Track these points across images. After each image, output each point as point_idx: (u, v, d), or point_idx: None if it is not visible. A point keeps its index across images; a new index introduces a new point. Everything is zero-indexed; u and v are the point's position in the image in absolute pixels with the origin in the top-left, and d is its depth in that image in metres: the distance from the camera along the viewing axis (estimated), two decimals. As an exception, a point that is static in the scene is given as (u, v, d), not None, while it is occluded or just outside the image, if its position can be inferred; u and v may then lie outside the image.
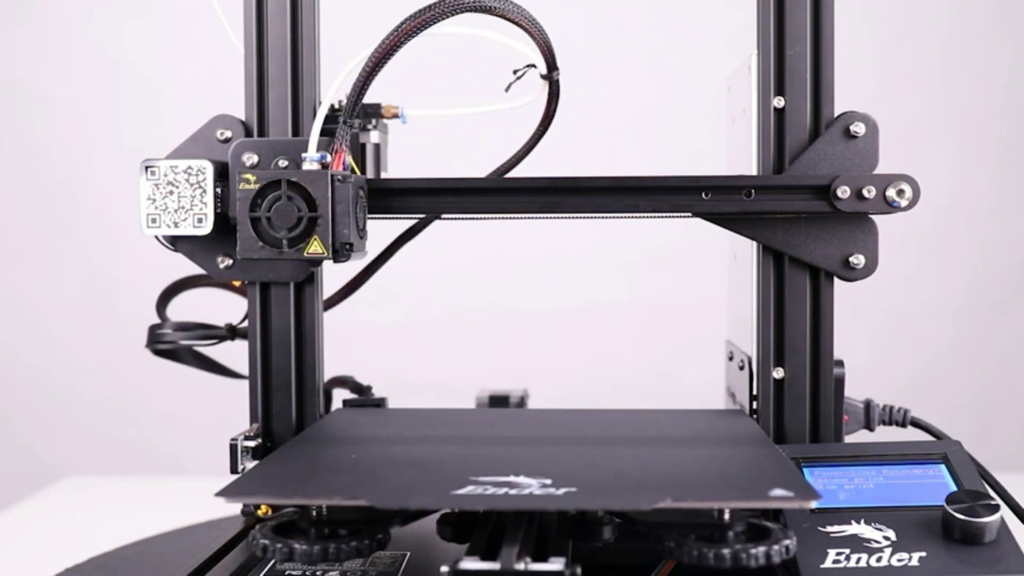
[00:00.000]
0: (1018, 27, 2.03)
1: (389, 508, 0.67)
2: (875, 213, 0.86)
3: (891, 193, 0.85)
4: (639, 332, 2.04)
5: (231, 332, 1.00)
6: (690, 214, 0.89)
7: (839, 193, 0.85)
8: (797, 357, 0.89)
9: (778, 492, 0.66)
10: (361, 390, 1.05)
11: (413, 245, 1.02)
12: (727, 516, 0.68)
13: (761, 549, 0.65)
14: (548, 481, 0.69)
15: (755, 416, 0.91)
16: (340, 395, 1.04)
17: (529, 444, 0.85)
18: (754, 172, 0.90)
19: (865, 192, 0.85)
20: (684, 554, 0.66)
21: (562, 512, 0.74)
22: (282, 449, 0.82)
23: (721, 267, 1.11)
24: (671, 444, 0.85)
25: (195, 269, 0.91)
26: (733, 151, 1.04)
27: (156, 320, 1.02)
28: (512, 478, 0.70)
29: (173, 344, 0.99)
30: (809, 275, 0.89)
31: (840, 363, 0.90)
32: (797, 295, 0.89)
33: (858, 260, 0.88)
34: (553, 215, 0.90)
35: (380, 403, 1.02)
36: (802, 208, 0.87)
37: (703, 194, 0.88)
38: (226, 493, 0.68)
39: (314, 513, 0.70)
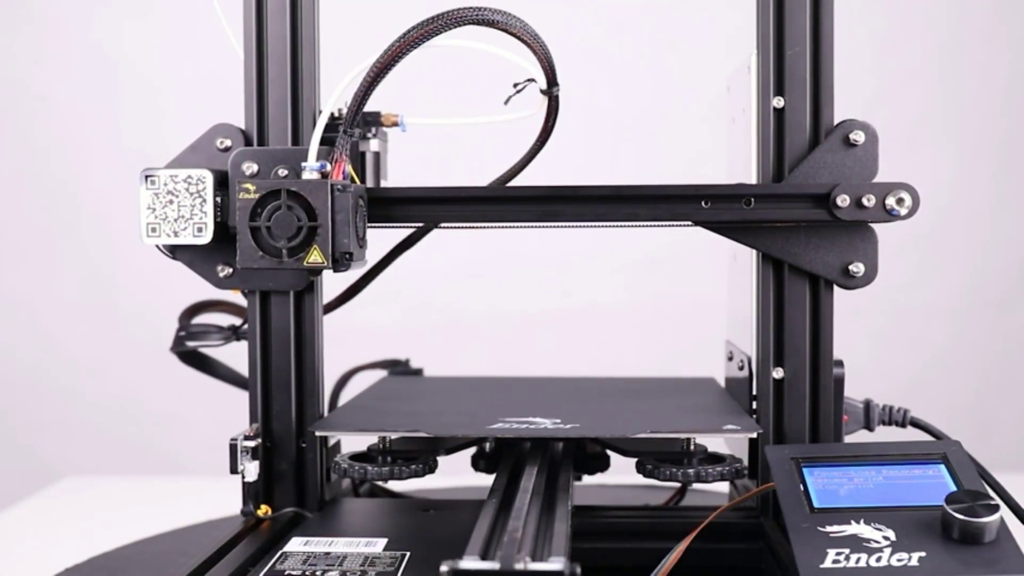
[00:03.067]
0: (1018, 27, 2.03)
1: (442, 436, 0.88)
2: (875, 222, 0.86)
3: (891, 202, 0.85)
4: (639, 333, 2.04)
5: (234, 332, 1.01)
6: (690, 222, 0.88)
7: (839, 202, 0.85)
8: (797, 357, 0.89)
9: (729, 426, 0.87)
10: (398, 363, 1.21)
11: (414, 246, 1.01)
12: (692, 447, 0.88)
13: (717, 468, 0.86)
14: (558, 420, 0.89)
15: (755, 416, 0.91)
16: (354, 383, 1.13)
17: (542, 397, 1.04)
18: (753, 176, 0.89)
19: (865, 201, 0.85)
20: (660, 474, 0.86)
21: (566, 448, 0.93)
22: (346, 404, 1.01)
23: (721, 268, 1.11)
24: (651, 397, 1.05)
25: (196, 277, 0.90)
26: (733, 152, 1.03)
27: (158, 323, 1.03)
28: (531, 418, 0.89)
29: (194, 345, 1.03)
30: (809, 283, 0.89)
31: (840, 363, 0.90)
32: (797, 303, 0.89)
33: (858, 268, 0.87)
34: (552, 224, 0.90)
35: (419, 372, 1.21)
36: (802, 217, 0.86)
37: (703, 203, 0.87)
38: (318, 427, 0.88)
39: (381, 446, 0.90)
